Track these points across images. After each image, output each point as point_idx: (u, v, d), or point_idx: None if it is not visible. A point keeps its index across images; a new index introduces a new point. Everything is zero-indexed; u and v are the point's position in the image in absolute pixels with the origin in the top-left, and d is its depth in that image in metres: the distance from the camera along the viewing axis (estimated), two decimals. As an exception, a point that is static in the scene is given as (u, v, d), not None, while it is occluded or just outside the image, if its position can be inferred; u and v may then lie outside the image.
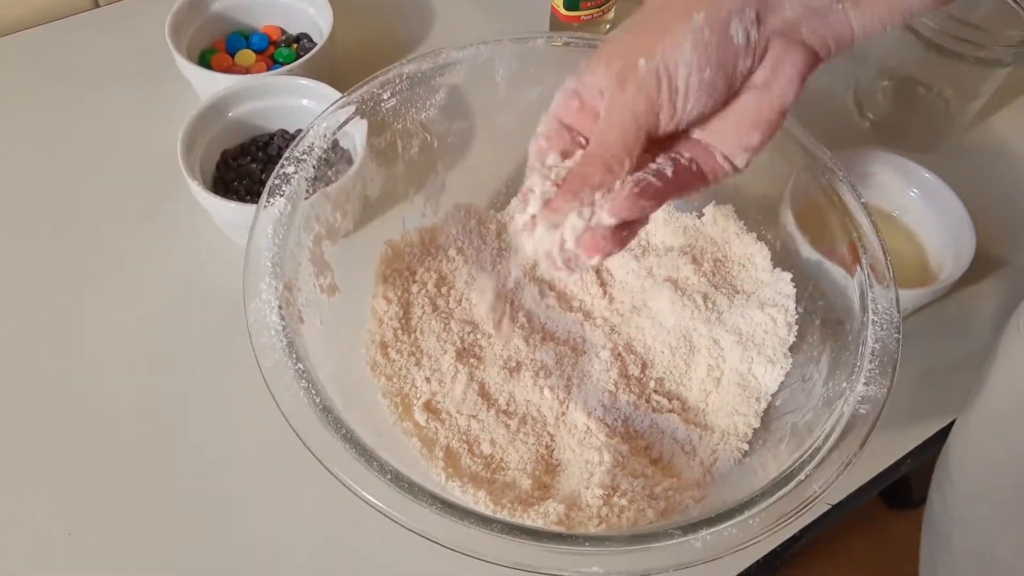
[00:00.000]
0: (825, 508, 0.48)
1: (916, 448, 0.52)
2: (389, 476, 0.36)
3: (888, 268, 0.45)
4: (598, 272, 0.55)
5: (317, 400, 0.38)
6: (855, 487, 0.49)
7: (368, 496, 0.36)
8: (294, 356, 0.39)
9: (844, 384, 0.41)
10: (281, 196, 0.44)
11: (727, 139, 0.35)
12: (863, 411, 0.39)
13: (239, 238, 0.56)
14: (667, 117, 0.34)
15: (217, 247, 0.58)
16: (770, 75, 0.34)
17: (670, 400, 0.49)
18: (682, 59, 0.33)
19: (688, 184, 0.36)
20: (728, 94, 0.34)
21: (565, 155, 0.35)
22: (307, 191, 0.46)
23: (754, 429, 0.47)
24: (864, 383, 0.40)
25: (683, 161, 0.35)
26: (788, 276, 0.50)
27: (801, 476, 0.38)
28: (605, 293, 0.54)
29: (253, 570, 0.46)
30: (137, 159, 0.62)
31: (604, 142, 0.34)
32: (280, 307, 0.40)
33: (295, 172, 0.45)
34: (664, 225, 0.56)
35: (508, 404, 0.48)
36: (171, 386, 0.52)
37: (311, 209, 0.46)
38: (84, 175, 0.61)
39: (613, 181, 0.34)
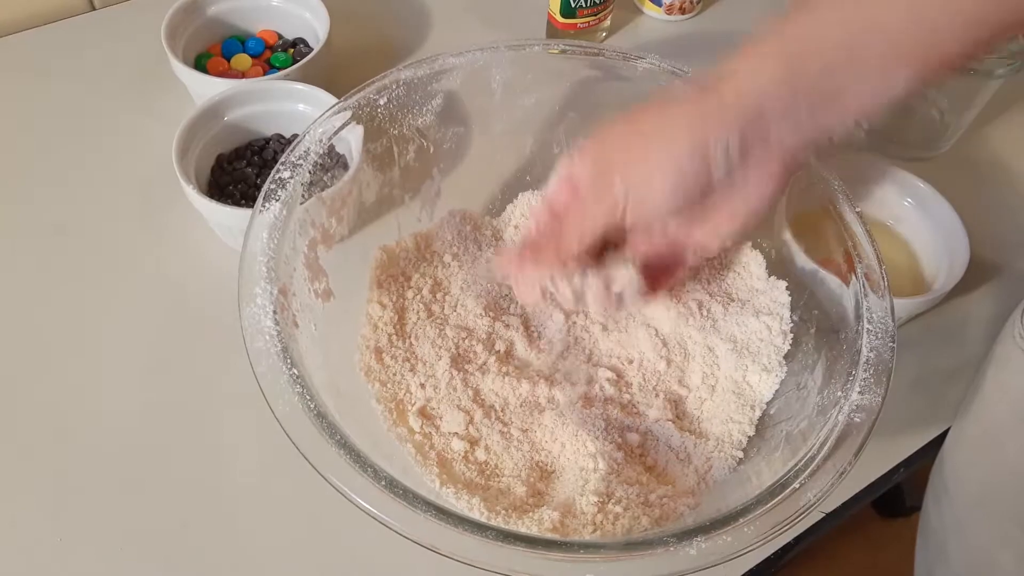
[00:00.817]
0: (820, 516, 0.48)
1: (910, 456, 0.52)
2: (383, 483, 0.36)
3: (883, 277, 0.45)
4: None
5: (311, 406, 0.38)
6: (849, 495, 0.49)
7: (362, 503, 0.36)
8: (288, 361, 0.39)
9: (839, 393, 0.41)
10: (276, 201, 0.44)
11: (700, 230, 0.41)
12: (858, 419, 0.39)
13: (234, 242, 0.56)
14: (631, 223, 0.39)
15: (212, 251, 0.58)
16: (749, 176, 0.38)
17: (665, 408, 0.49)
18: (656, 187, 0.37)
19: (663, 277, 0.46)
20: (703, 198, 0.38)
21: None
22: (303, 196, 0.46)
23: (749, 437, 0.47)
24: (859, 392, 0.40)
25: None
26: (783, 284, 0.50)
27: (796, 484, 0.38)
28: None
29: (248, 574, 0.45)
30: (132, 162, 0.62)
31: (564, 234, 0.41)
32: (275, 312, 0.40)
33: (291, 177, 0.45)
34: (659, 233, 0.56)
35: (503, 411, 0.48)
36: (166, 391, 0.51)
37: (306, 214, 0.46)
38: (79, 178, 0.61)
39: (560, 265, 0.42)
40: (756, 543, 0.35)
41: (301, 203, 0.45)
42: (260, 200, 0.44)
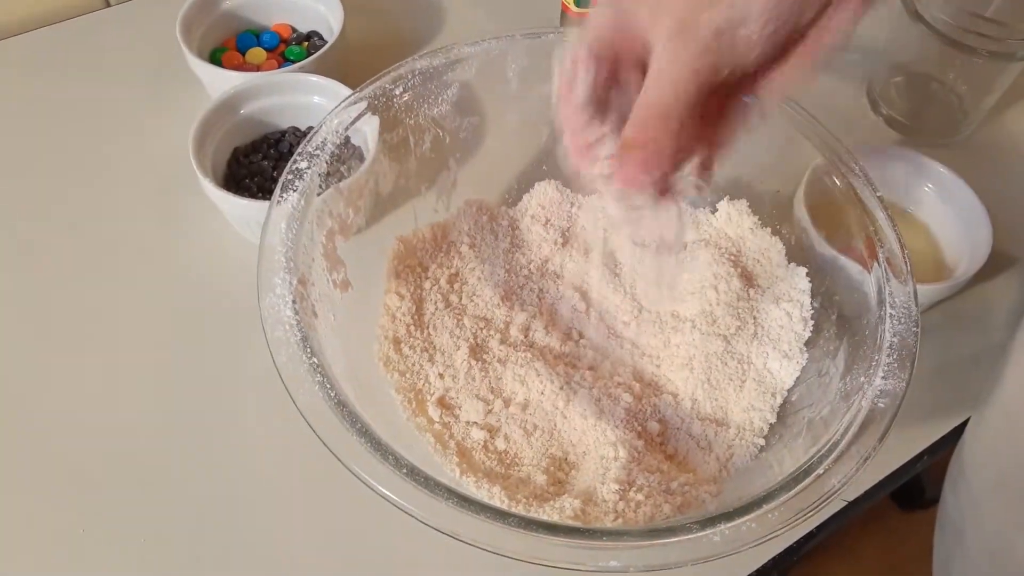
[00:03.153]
0: (841, 505, 0.48)
1: (932, 444, 0.52)
2: (405, 470, 0.36)
3: (905, 262, 0.44)
4: (613, 259, 0.54)
5: (332, 394, 0.38)
6: (871, 483, 0.49)
7: (385, 491, 0.36)
8: (308, 350, 0.39)
9: (862, 378, 0.41)
10: (294, 191, 0.44)
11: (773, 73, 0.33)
12: (881, 405, 0.39)
13: (251, 235, 0.57)
14: (726, 74, 0.32)
15: (230, 243, 0.58)
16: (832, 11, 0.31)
17: (685, 396, 0.49)
18: (750, 15, 0.30)
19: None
20: (788, 45, 0.32)
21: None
22: (320, 187, 0.46)
23: (770, 424, 0.46)
24: (882, 377, 0.39)
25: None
26: (803, 271, 0.50)
27: (820, 470, 0.37)
28: (619, 286, 0.54)
29: (269, 566, 0.46)
30: (149, 157, 0.62)
31: (662, 103, 0.32)
32: (294, 301, 0.40)
33: (308, 168, 0.45)
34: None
35: (522, 400, 0.48)
36: (185, 382, 0.52)
37: (324, 205, 0.46)
38: (96, 173, 0.61)
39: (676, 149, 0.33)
40: (780, 529, 0.35)
41: (318, 194, 0.45)
42: (278, 190, 0.44)
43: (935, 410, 0.53)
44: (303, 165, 0.45)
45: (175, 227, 0.59)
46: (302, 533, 0.47)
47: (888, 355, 0.40)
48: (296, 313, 0.40)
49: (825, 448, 0.38)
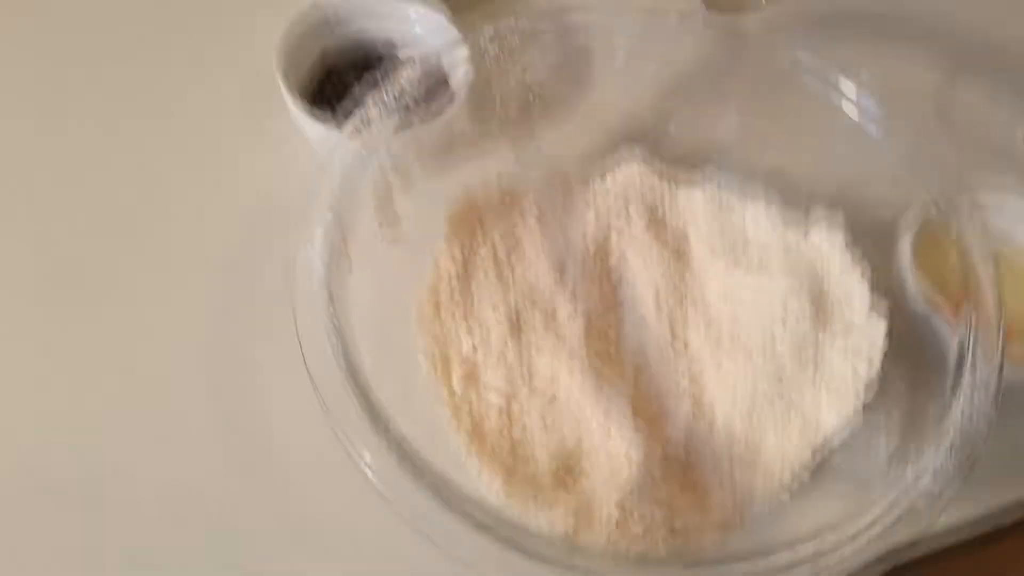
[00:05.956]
0: None
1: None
2: (396, 450, 0.35)
3: (999, 345, 0.39)
4: (685, 263, 0.51)
5: (343, 363, 0.37)
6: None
7: (367, 468, 0.35)
8: (332, 313, 0.38)
9: (907, 469, 0.37)
10: (359, 138, 0.43)
11: None
12: (920, 506, 0.35)
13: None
14: None
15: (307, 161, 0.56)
16: None
17: (723, 424, 0.46)
18: None
19: None
20: None
21: None
22: (389, 138, 0.44)
23: (801, 482, 0.43)
24: (930, 480, 0.36)
25: None
26: (883, 326, 0.45)
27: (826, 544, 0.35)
28: (689, 292, 0.51)
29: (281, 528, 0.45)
30: (235, 65, 0.59)
31: None
32: (329, 257, 0.39)
33: (380, 115, 0.44)
34: (766, 236, 0.51)
35: (551, 394, 0.46)
36: (239, 294, 0.50)
37: (389, 158, 0.44)
38: (182, 73, 0.60)
39: None
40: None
41: (386, 146, 0.44)
42: (345, 132, 0.43)
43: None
44: (374, 112, 0.44)
45: (255, 137, 0.56)
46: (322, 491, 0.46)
47: (946, 456, 0.36)
48: (327, 269, 0.39)
49: (847, 538, 0.35)
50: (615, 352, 0.49)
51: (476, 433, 0.45)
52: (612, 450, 0.44)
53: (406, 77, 0.46)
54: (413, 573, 0.44)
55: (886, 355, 0.44)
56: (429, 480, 0.35)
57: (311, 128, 0.52)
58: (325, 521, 0.45)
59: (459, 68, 0.48)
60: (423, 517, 0.35)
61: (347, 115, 0.54)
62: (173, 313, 0.50)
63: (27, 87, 0.59)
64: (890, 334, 0.45)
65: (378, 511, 0.35)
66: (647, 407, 0.47)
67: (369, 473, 0.35)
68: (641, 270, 0.51)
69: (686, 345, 0.49)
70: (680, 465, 0.44)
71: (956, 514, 0.44)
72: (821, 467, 0.43)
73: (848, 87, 0.48)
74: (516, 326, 0.48)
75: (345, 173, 0.42)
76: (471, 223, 0.51)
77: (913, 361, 0.43)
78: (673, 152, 0.54)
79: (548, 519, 0.39)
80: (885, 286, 0.47)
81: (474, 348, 0.47)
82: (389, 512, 0.35)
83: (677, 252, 0.51)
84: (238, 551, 0.43)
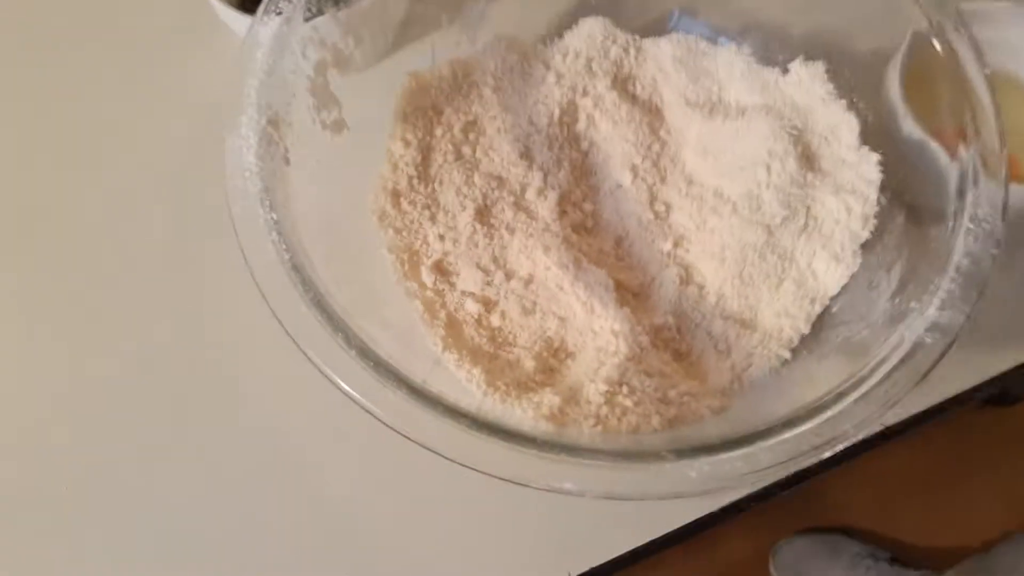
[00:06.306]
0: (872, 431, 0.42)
1: (998, 376, 0.44)
2: (355, 352, 0.32)
3: (1002, 162, 0.36)
4: (658, 118, 0.47)
5: (286, 257, 0.34)
6: (909, 413, 0.43)
7: (326, 369, 0.32)
8: (267, 204, 0.35)
9: (913, 303, 0.34)
10: (278, 14, 0.38)
11: None
12: (929, 340, 0.32)
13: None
14: None
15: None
16: None
17: (716, 282, 0.43)
18: None
19: None
20: None
21: None
22: (309, 10, 0.39)
23: (801, 335, 0.40)
24: (938, 307, 0.32)
25: None
26: (876, 158, 0.41)
27: (836, 408, 0.32)
28: (664, 151, 0.47)
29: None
30: None
31: None
32: (259, 145, 0.36)
33: (296, -11, 0.39)
34: (741, 79, 0.47)
35: (527, 276, 0.43)
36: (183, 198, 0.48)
37: (314, 32, 0.40)
38: None
39: None
40: (768, 473, 0.30)
41: (307, 19, 0.39)
42: (260, 11, 0.38)
43: (1007, 341, 0.45)
44: (290, -14, 0.39)
45: (182, 40, 0.53)
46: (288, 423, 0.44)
47: (952, 280, 0.33)
48: (259, 159, 0.35)
49: (849, 383, 0.32)
50: (591, 224, 0.45)
51: (452, 325, 0.41)
52: (597, 327, 0.41)
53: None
54: (396, 472, 0.42)
55: (880, 189, 0.41)
56: (404, 386, 0.32)
57: (235, 20, 0.47)
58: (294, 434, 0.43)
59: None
60: (402, 416, 0.32)
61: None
62: (120, 222, 0.48)
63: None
64: (882, 166, 0.41)
65: (354, 414, 0.32)
66: (631, 277, 0.44)
67: (342, 384, 0.32)
68: (611, 131, 0.47)
69: (668, 207, 0.45)
70: (671, 333, 0.42)
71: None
72: (821, 319, 0.40)
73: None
74: (484, 208, 0.44)
75: (266, 51, 0.37)
76: (422, 103, 0.46)
77: (910, 192, 0.40)
78: (633, 5, 0.49)
79: (533, 404, 0.37)
80: (873, 118, 0.43)
81: (440, 237, 0.44)
82: (366, 416, 0.32)
83: (648, 107, 0.47)
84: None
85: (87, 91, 0.52)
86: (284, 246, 0.34)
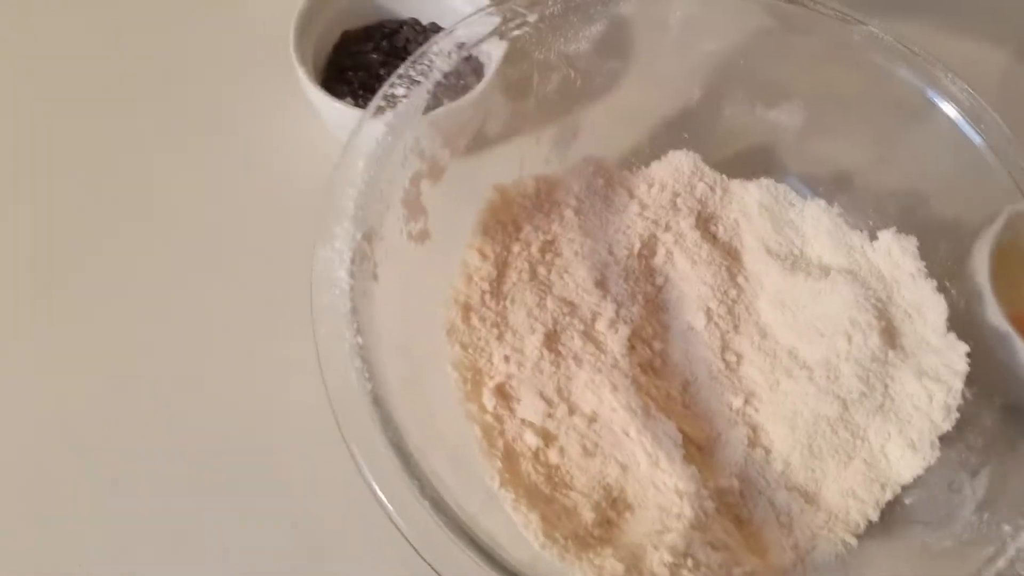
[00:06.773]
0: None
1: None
2: (428, 502, 0.31)
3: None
4: (737, 263, 0.46)
5: (368, 388, 0.32)
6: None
7: (395, 517, 0.31)
8: (355, 327, 0.33)
9: (1007, 527, 0.32)
10: (382, 122, 0.37)
11: None
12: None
13: (344, 137, 0.50)
14: None
15: (320, 141, 0.51)
16: None
17: (780, 453, 0.42)
18: None
19: None
20: None
21: None
22: (417, 118, 0.39)
23: (869, 522, 0.39)
24: (1035, 539, 0.31)
25: None
26: (964, 348, 0.40)
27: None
28: (741, 298, 0.46)
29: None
30: (245, 34, 0.55)
31: None
32: (351, 263, 0.34)
33: (405, 95, 0.38)
34: (827, 237, 0.46)
35: (591, 412, 0.42)
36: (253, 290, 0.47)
37: (417, 142, 0.39)
38: (191, 39, 0.55)
39: None
40: None
41: (413, 129, 0.38)
42: (367, 113, 0.38)
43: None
44: (400, 91, 0.38)
45: (265, 111, 0.52)
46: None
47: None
48: (351, 277, 0.34)
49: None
50: (659, 364, 0.44)
51: (509, 456, 0.40)
52: (660, 482, 0.39)
53: (435, 49, 0.40)
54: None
55: (967, 382, 0.40)
56: (457, 525, 0.31)
57: (326, 107, 0.46)
58: (338, 549, 0.41)
59: (492, 38, 0.42)
60: (449, 558, 0.31)
61: (365, 92, 0.49)
62: (182, 307, 0.47)
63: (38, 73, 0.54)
64: (971, 359, 0.40)
65: (400, 547, 0.31)
66: (697, 429, 0.42)
67: (390, 508, 0.31)
68: (689, 270, 0.46)
69: (739, 358, 0.44)
70: (735, 498, 0.40)
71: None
72: (892, 508, 0.39)
73: (935, 74, 0.42)
74: (553, 334, 0.43)
75: (368, 160, 0.36)
76: (503, 216, 0.45)
77: (1000, 392, 0.39)
78: (725, 139, 0.48)
79: (594, 566, 0.35)
80: (964, 304, 0.42)
81: (506, 358, 0.42)
82: (410, 549, 0.31)
83: (727, 250, 0.46)
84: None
85: (147, 159, 0.51)
86: (367, 375, 0.33)
